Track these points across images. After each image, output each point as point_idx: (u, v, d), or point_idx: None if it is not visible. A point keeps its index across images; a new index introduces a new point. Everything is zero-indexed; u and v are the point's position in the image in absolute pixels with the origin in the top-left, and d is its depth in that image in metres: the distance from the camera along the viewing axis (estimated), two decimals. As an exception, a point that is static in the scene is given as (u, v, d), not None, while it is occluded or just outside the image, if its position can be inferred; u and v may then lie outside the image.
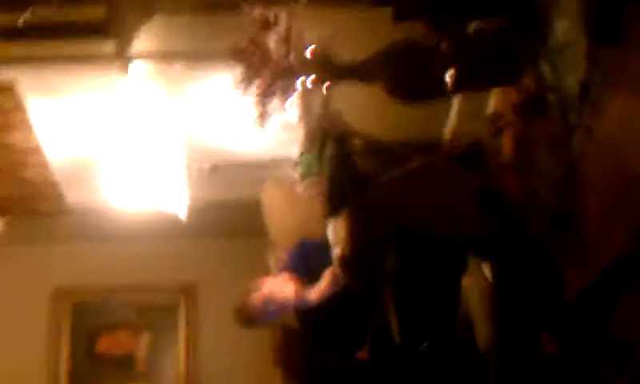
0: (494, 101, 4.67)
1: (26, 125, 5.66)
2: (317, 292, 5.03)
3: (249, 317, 5.22)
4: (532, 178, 3.89)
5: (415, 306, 4.44)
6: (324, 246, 4.83)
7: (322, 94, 5.25)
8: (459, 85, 3.80)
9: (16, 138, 5.77)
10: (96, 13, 4.11)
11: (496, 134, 4.22)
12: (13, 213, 6.59)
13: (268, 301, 5.12)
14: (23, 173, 6.11)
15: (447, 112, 5.32)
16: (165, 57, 5.33)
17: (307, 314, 5.10)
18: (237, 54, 3.97)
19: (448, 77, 3.76)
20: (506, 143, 4.14)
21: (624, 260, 3.19)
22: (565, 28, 3.34)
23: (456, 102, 5.25)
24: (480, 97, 4.83)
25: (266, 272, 5.47)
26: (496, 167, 4.22)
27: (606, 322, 3.44)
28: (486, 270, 4.10)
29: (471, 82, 3.87)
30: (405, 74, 3.86)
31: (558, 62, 3.46)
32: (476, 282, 4.16)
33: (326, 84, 4.08)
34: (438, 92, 3.90)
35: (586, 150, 3.30)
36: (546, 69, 3.57)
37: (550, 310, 3.75)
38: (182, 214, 5.73)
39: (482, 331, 4.08)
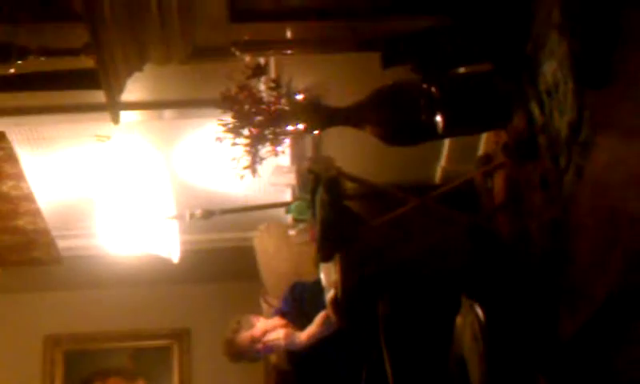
0: (484, 143, 4.70)
1: (17, 173, 5.65)
2: (308, 334, 5.02)
3: (236, 352, 5.22)
4: (523, 220, 3.90)
5: (408, 347, 4.44)
6: (316, 290, 4.83)
7: (313, 138, 5.29)
8: (449, 128, 3.81)
9: (7, 186, 5.75)
10: (86, 63, 4.11)
11: (487, 176, 4.24)
12: (5, 261, 6.56)
13: (256, 340, 5.12)
14: (15, 221, 6.09)
15: (438, 154, 5.33)
16: (155, 105, 5.35)
17: (299, 356, 5.09)
18: (227, 101, 3.98)
19: (438, 120, 3.77)
20: (497, 185, 4.15)
21: (624, 297, 3.19)
22: (553, 70, 3.36)
23: (446, 144, 5.28)
24: (470, 139, 4.86)
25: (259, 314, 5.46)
26: (488, 208, 4.24)
27: (609, 360, 3.44)
28: (479, 309, 4.10)
29: (461, 125, 3.89)
30: (395, 118, 3.87)
31: (548, 103, 3.48)
32: (468, 321, 4.15)
33: (317, 129, 4.09)
34: (428, 135, 3.91)
35: (576, 192, 3.31)
36: (535, 110, 3.58)
37: (544, 352, 3.75)
38: (175, 259, 5.73)
39: (475, 371, 4.07)
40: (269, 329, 5.16)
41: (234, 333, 5.18)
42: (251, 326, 5.17)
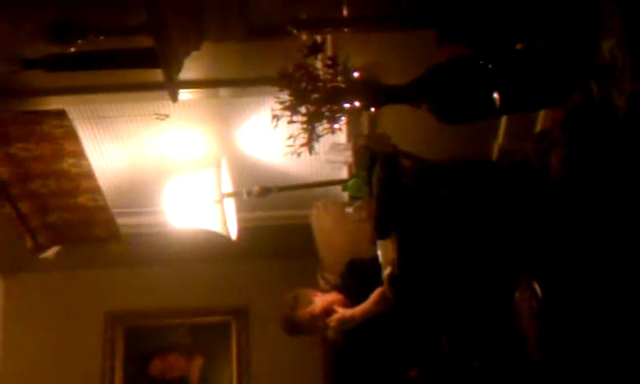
0: (541, 119, 4.67)
1: (77, 152, 5.72)
2: (362, 310, 5.02)
3: (294, 328, 5.22)
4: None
5: (466, 324, 4.44)
6: (373, 267, 4.83)
7: (370, 116, 5.30)
8: (506, 105, 3.80)
9: (68, 164, 5.83)
10: (145, 42, 4.15)
11: (544, 153, 4.22)
12: (66, 238, 6.64)
13: (315, 316, 5.12)
14: (76, 198, 6.16)
15: (495, 131, 5.31)
16: (213, 84, 5.38)
17: (354, 331, 5.09)
18: (284, 79, 4.00)
19: (495, 97, 3.76)
20: (554, 161, 4.13)
21: None
22: (611, 47, 3.34)
23: (503, 121, 5.25)
24: (527, 116, 4.83)
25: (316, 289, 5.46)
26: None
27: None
28: (536, 286, 4.10)
29: (518, 102, 3.87)
30: (451, 96, 3.86)
31: (606, 80, 3.45)
32: (526, 297, 4.15)
33: (373, 107, 4.10)
34: (485, 112, 3.90)
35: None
36: (593, 87, 3.56)
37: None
38: (232, 236, 5.76)
39: (533, 345, 4.08)
40: (327, 304, 5.15)
41: (292, 309, 5.19)
42: (310, 302, 5.17)
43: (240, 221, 5.90)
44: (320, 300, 5.17)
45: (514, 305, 4.23)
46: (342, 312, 5.07)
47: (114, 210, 6.39)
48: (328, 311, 5.11)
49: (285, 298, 5.23)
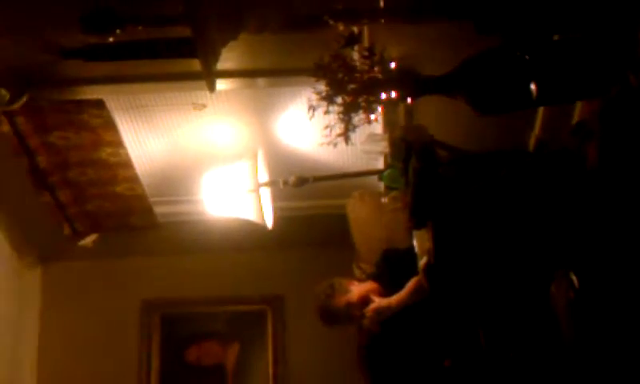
0: (579, 110, 4.65)
1: (115, 141, 5.77)
2: (398, 300, 5.01)
3: (331, 317, 5.22)
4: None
5: (502, 314, 4.44)
6: (408, 257, 4.83)
7: (406, 107, 5.30)
8: (543, 96, 3.79)
9: (106, 153, 5.88)
10: (183, 32, 4.17)
11: (581, 144, 4.20)
12: (103, 227, 6.69)
13: (352, 305, 5.11)
14: (114, 187, 6.21)
15: (531, 122, 5.29)
16: (250, 74, 5.39)
17: (389, 321, 5.09)
18: (321, 70, 4.01)
19: (532, 88, 3.75)
20: (591, 153, 4.11)
21: None
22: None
23: (540, 112, 5.22)
24: (565, 106, 4.81)
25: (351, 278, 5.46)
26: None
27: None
28: (573, 277, 4.09)
29: (555, 94, 3.86)
30: (488, 86, 3.86)
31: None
32: (563, 289, 4.15)
33: (410, 97, 4.10)
34: (522, 103, 3.90)
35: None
36: (631, 78, 3.55)
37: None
38: (269, 225, 5.78)
39: (570, 336, 4.08)
40: (363, 294, 5.15)
41: (328, 297, 5.18)
42: (346, 290, 5.16)
43: (276, 210, 5.92)
44: (356, 289, 5.16)
45: (550, 296, 4.22)
46: (377, 301, 5.07)
47: (152, 199, 6.44)
48: (364, 300, 5.10)
49: (321, 287, 5.22)
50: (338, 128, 4.05)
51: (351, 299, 5.12)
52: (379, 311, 5.04)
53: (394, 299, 5.02)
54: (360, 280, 5.36)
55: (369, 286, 5.19)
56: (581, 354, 4.03)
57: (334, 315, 5.19)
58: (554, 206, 4.14)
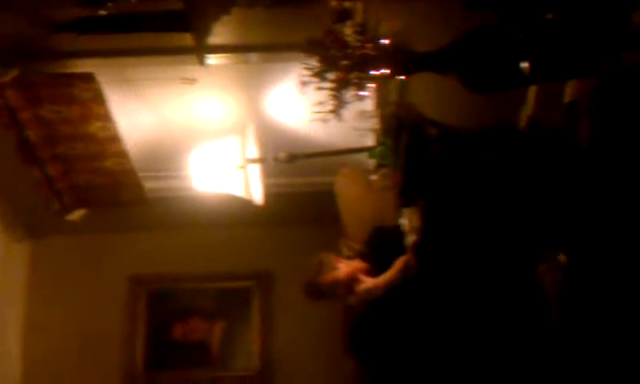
0: (570, 89, 4.65)
1: (104, 115, 5.75)
2: (386, 278, 5.01)
3: (317, 292, 5.22)
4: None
5: (490, 294, 4.45)
6: (397, 234, 4.84)
7: (398, 84, 5.29)
8: (535, 75, 3.79)
9: (95, 127, 5.86)
10: (174, 6, 4.16)
11: (573, 122, 4.21)
12: (92, 201, 6.68)
13: (339, 283, 5.12)
14: (102, 162, 6.20)
15: (523, 100, 5.28)
16: (242, 49, 5.38)
17: (378, 301, 5.09)
18: (313, 46, 4.00)
19: (524, 66, 3.75)
20: (583, 131, 4.12)
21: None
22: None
23: (532, 90, 5.22)
24: (557, 85, 4.81)
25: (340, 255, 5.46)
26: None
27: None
28: (561, 256, 4.11)
29: (548, 72, 3.86)
30: (480, 64, 3.86)
31: (637, 49, 3.45)
32: (551, 268, 4.17)
33: (402, 74, 4.09)
34: (514, 82, 3.89)
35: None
36: (623, 57, 3.55)
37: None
38: (258, 201, 5.77)
39: (555, 313, 4.11)
40: (351, 271, 5.15)
41: (315, 274, 5.19)
42: (334, 267, 5.16)
43: (266, 186, 5.92)
44: (344, 266, 5.17)
45: (538, 275, 4.24)
46: (366, 282, 5.07)
47: (140, 174, 6.43)
48: (352, 278, 5.11)
49: (310, 263, 5.23)
50: (330, 104, 4.04)
51: (338, 276, 5.12)
52: (367, 291, 5.04)
53: (382, 279, 5.02)
54: (348, 258, 5.36)
55: (357, 264, 5.19)
56: (568, 335, 4.05)
57: (319, 291, 5.20)
58: (544, 185, 4.15)
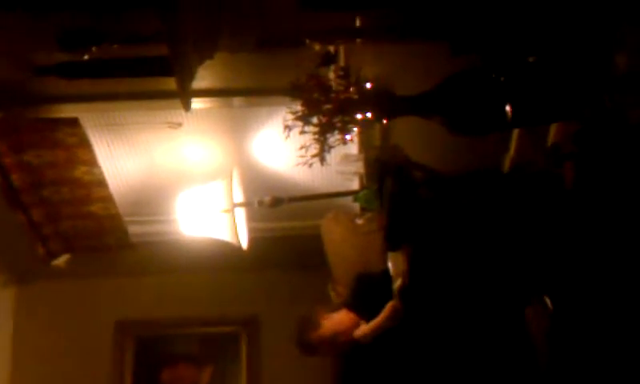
0: (554, 132, 4.67)
1: (89, 159, 5.74)
2: (374, 326, 4.99)
3: (306, 350, 5.21)
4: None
5: (476, 336, 4.44)
6: (382, 279, 4.82)
7: (381, 127, 5.30)
8: (518, 118, 3.79)
9: (80, 172, 5.85)
10: (159, 51, 4.16)
11: (556, 166, 4.21)
12: (76, 246, 6.66)
13: (324, 340, 5.11)
14: (88, 207, 6.18)
15: (506, 143, 5.30)
16: (226, 93, 5.39)
17: (367, 348, 5.07)
18: (297, 89, 4.00)
19: (507, 110, 3.76)
20: (567, 174, 4.13)
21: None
22: (625, 60, 3.34)
23: (515, 133, 5.24)
24: (540, 128, 4.82)
25: (327, 303, 5.45)
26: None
27: None
28: (547, 300, 4.11)
29: (530, 116, 3.87)
30: (463, 108, 3.86)
31: (620, 92, 3.46)
32: (538, 312, 4.17)
33: (385, 118, 4.10)
34: (497, 125, 3.90)
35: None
36: (606, 100, 3.56)
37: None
38: (243, 246, 5.76)
39: (543, 357, 4.10)
40: (337, 327, 5.13)
41: (301, 333, 5.18)
42: (318, 325, 5.15)
43: (251, 231, 5.91)
44: (329, 323, 5.15)
45: (525, 319, 4.24)
46: (355, 331, 5.05)
47: (126, 219, 6.41)
48: (337, 333, 5.10)
49: (296, 320, 5.22)
50: (314, 148, 4.04)
51: (323, 334, 5.11)
52: (357, 339, 5.03)
53: (369, 327, 5.00)
54: (334, 308, 5.34)
55: (342, 316, 5.17)
56: (556, 378, 4.04)
57: (308, 348, 5.20)
58: (530, 228, 4.15)
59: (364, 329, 5.00)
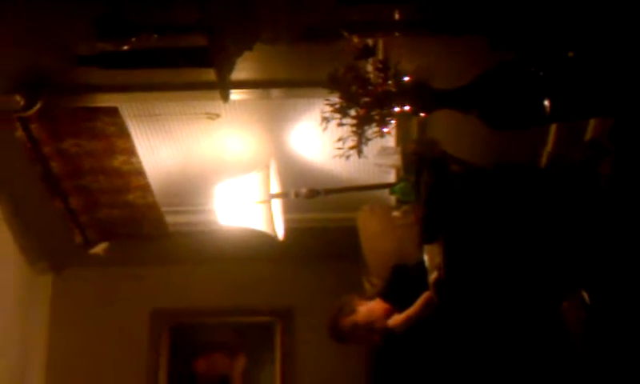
0: (592, 127, 4.65)
1: (128, 149, 5.79)
2: (407, 316, 5.00)
3: (339, 336, 5.23)
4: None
5: (513, 331, 4.44)
6: (418, 271, 4.82)
7: (419, 120, 5.30)
8: (556, 113, 3.78)
9: (118, 161, 5.90)
10: (198, 41, 4.18)
11: (593, 161, 4.20)
12: (114, 235, 6.71)
13: (358, 326, 5.12)
14: (125, 196, 6.23)
15: (544, 138, 5.28)
16: (264, 85, 5.41)
17: (397, 336, 5.08)
18: (335, 82, 4.01)
19: (545, 104, 3.75)
20: (604, 170, 4.11)
21: None
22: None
23: (553, 129, 5.22)
24: (578, 123, 4.81)
25: (361, 295, 5.45)
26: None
27: None
28: (584, 294, 4.10)
29: (569, 111, 3.85)
30: (501, 102, 3.86)
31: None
32: (574, 305, 4.16)
33: (423, 111, 4.10)
34: (535, 120, 3.89)
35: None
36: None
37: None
38: (279, 237, 5.78)
39: (581, 354, 4.09)
40: (370, 314, 5.15)
41: (335, 318, 5.19)
42: (353, 311, 5.16)
43: (287, 222, 5.93)
44: (364, 309, 5.17)
45: (562, 313, 4.23)
46: (388, 321, 5.06)
47: (163, 208, 6.45)
48: (371, 321, 5.11)
49: (330, 308, 5.24)
50: (351, 140, 4.05)
51: (357, 320, 5.13)
52: (392, 328, 5.04)
53: (404, 315, 5.01)
54: (369, 297, 5.35)
55: (377, 304, 5.18)
56: (593, 372, 4.04)
57: (341, 334, 5.21)
58: (567, 222, 4.14)
59: (398, 318, 5.01)
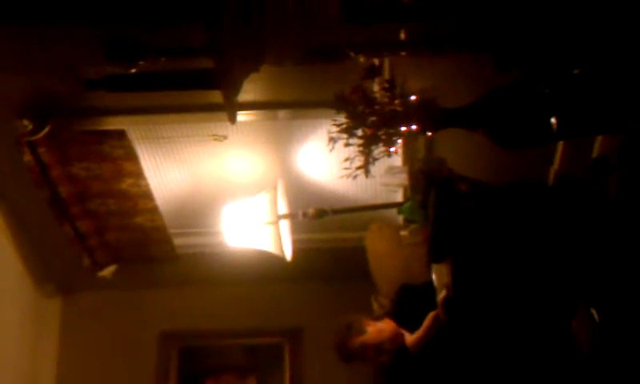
0: (599, 145, 4.65)
1: (136, 172, 5.80)
2: (416, 337, 4.99)
3: (347, 356, 5.22)
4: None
5: (522, 350, 4.43)
6: (426, 291, 4.82)
7: (426, 139, 5.30)
8: (563, 130, 3.79)
9: (126, 184, 5.92)
10: (205, 64, 4.20)
11: (601, 178, 4.20)
12: (122, 257, 6.72)
13: (367, 346, 5.11)
14: (133, 218, 6.24)
15: (551, 156, 5.28)
16: (271, 106, 5.42)
17: (407, 358, 5.08)
18: (341, 102, 4.02)
19: (552, 122, 3.75)
20: (611, 187, 4.11)
21: None
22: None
23: (560, 146, 5.22)
24: (585, 140, 4.81)
25: (370, 316, 5.45)
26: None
27: None
28: (594, 312, 4.10)
29: (575, 128, 3.86)
30: (508, 120, 3.86)
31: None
32: (584, 323, 4.15)
33: (430, 130, 4.10)
34: (542, 138, 3.89)
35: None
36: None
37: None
38: (287, 257, 5.78)
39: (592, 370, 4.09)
40: (380, 335, 5.14)
41: (344, 338, 5.19)
42: (362, 331, 5.15)
43: (295, 242, 5.93)
44: (372, 329, 5.16)
45: (572, 331, 4.23)
46: (397, 335, 5.06)
47: (171, 231, 6.46)
48: (380, 341, 5.11)
49: (339, 327, 5.23)
50: (358, 160, 4.05)
51: (366, 340, 5.12)
52: (398, 347, 5.03)
53: (413, 337, 5.01)
54: (377, 318, 5.35)
55: (386, 325, 5.18)
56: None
57: (349, 354, 5.20)
58: (574, 240, 4.13)
59: (411, 339, 5.01)
